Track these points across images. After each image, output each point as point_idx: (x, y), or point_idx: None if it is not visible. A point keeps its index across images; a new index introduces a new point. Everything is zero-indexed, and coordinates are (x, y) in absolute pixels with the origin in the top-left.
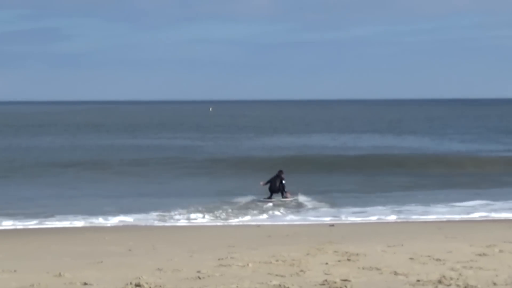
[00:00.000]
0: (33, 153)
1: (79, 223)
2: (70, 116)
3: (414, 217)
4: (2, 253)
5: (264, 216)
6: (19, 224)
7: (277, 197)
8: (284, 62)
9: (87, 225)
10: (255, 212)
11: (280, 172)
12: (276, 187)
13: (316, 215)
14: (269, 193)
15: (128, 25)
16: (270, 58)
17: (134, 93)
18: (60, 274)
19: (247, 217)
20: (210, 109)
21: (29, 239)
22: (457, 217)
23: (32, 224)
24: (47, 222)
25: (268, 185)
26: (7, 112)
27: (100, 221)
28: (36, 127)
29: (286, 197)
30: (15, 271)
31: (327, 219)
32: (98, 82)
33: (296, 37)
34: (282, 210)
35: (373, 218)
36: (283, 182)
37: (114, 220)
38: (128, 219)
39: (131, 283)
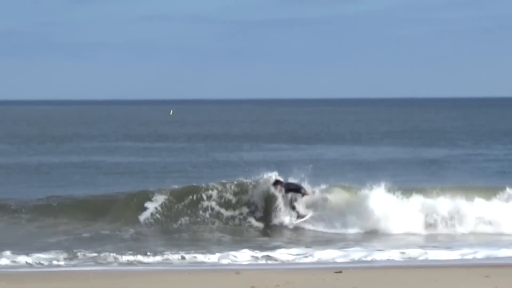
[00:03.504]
0: None
1: None
2: None
3: (451, 260)
4: None
5: (244, 257)
6: None
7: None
8: (271, 47)
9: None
10: (228, 252)
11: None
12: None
13: (317, 256)
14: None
15: None
16: (251, 42)
17: (65, 89)
18: None
19: (219, 259)
20: (171, 112)
21: None
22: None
23: None
24: None
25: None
26: None
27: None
28: None
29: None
30: None
31: (332, 263)
32: (16, 75)
33: (288, 12)
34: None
35: (395, 262)
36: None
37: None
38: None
39: None
